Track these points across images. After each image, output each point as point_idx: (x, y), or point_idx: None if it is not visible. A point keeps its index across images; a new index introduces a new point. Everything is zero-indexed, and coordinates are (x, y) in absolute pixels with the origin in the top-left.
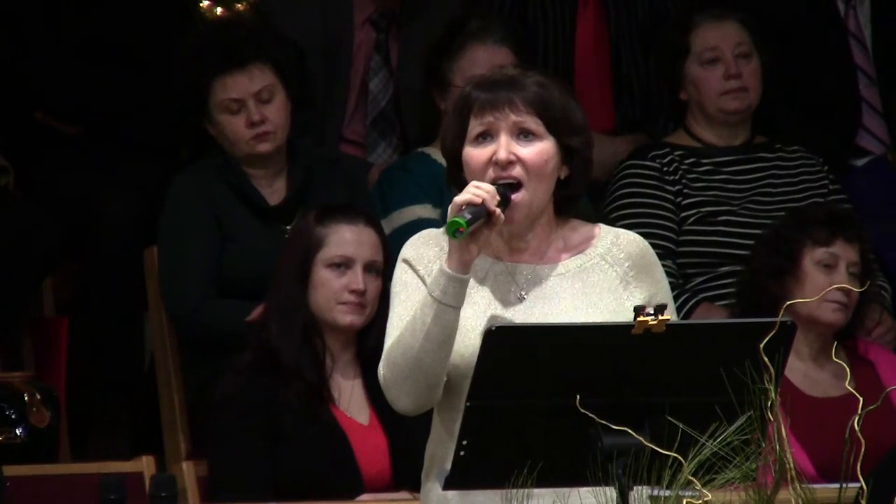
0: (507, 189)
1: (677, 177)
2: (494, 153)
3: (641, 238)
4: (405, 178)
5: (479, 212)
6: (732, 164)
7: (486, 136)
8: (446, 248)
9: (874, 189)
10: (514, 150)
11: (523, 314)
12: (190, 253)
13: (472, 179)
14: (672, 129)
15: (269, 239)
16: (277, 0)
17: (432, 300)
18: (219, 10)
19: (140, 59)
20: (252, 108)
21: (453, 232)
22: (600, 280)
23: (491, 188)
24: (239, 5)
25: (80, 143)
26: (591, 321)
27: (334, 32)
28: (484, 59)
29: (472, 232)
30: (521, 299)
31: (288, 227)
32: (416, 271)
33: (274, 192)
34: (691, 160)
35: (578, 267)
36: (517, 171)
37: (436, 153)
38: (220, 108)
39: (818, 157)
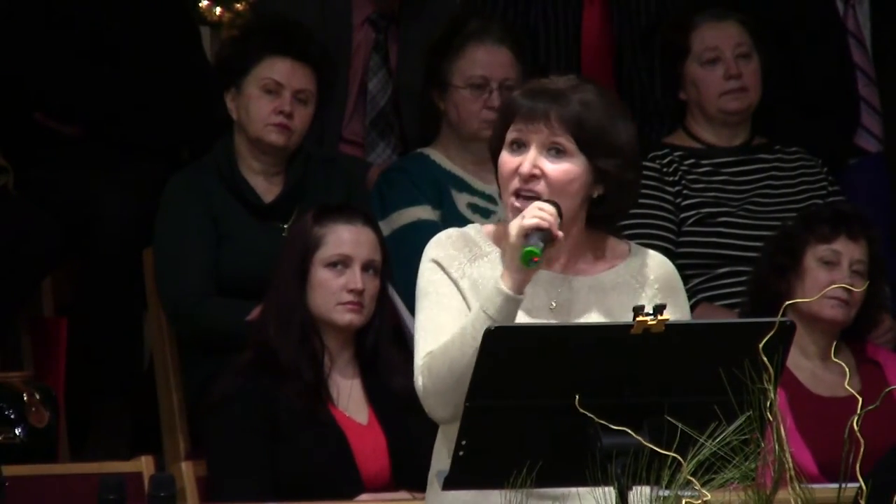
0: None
1: (677, 178)
2: (520, 165)
3: (669, 262)
4: (404, 179)
5: (547, 236)
6: (732, 164)
7: (519, 143)
8: (477, 253)
9: (867, 186)
10: (540, 164)
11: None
12: (186, 251)
13: (502, 183)
14: (671, 130)
15: (264, 236)
16: (276, 0)
17: (486, 317)
18: (218, 9)
19: (140, 60)
20: (287, 98)
21: (528, 261)
22: (629, 298)
23: (552, 210)
24: (238, 5)
25: (79, 144)
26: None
27: (333, 32)
28: (483, 59)
29: None
30: (551, 309)
31: (284, 225)
32: (447, 273)
33: (270, 189)
34: (691, 161)
35: (610, 283)
36: (540, 186)
37: (435, 154)
38: (256, 83)
39: (817, 157)
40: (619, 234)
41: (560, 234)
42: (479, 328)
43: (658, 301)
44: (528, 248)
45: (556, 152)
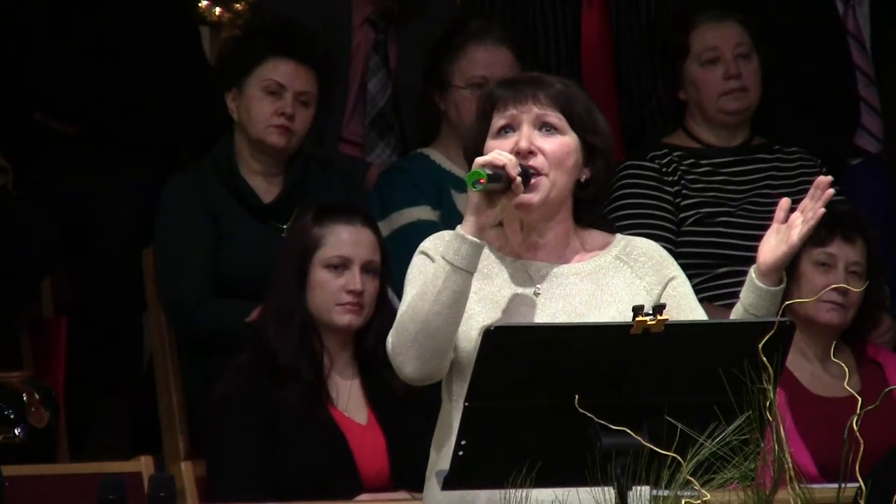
0: (528, 171)
1: (676, 178)
2: (516, 143)
3: (655, 243)
4: (404, 179)
5: (500, 175)
6: (731, 164)
7: (508, 129)
8: None
9: (867, 188)
10: (535, 140)
11: (539, 309)
12: (186, 251)
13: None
14: (671, 130)
15: (264, 237)
16: (276, 0)
17: (444, 262)
18: (217, 10)
19: (140, 59)
20: (289, 100)
21: (473, 182)
22: (615, 279)
23: (513, 158)
24: (238, 5)
25: (79, 144)
26: (605, 317)
27: (333, 33)
28: (483, 59)
29: (490, 194)
30: (536, 295)
31: (283, 226)
32: (433, 261)
33: (269, 190)
34: (690, 161)
35: (595, 267)
36: (538, 161)
37: (435, 154)
38: (258, 84)
39: (816, 157)
40: (605, 227)
41: (518, 178)
42: (440, 275)
43: (647, 269)
44: (475, 170)
45: (548, 129)
